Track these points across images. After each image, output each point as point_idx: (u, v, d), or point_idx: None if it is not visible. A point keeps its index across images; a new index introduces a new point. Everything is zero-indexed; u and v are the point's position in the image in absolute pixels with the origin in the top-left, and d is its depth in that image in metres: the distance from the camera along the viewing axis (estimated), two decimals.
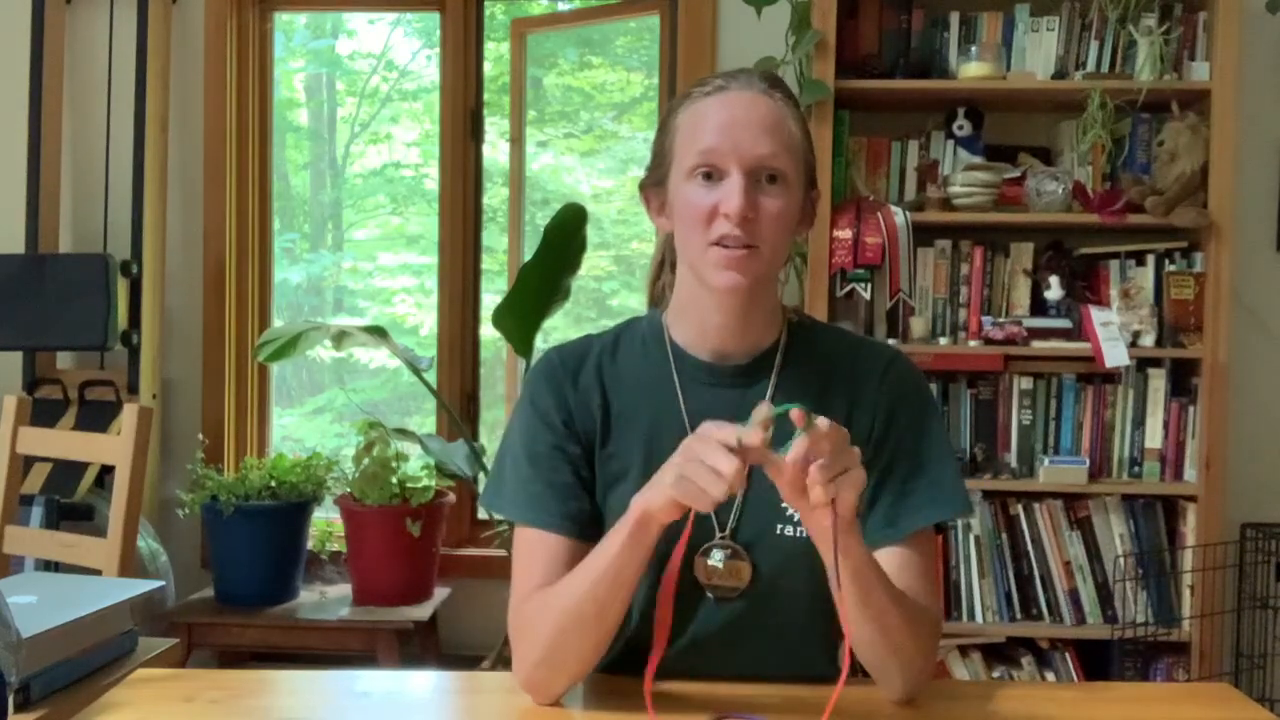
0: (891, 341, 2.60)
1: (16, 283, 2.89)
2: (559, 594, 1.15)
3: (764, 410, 1.00)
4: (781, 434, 1.00)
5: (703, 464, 0.99)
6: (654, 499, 1.06)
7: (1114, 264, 2.64)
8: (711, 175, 1.16)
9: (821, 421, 0.99)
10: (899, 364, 1.28)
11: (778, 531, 1.20)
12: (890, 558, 1.19)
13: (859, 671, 1.17)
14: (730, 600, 1.21)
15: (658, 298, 1.36)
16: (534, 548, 1.21)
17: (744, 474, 0.99)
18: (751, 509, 1.21)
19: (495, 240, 3.42)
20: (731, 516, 1.21)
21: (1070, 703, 1.17)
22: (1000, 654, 2.61)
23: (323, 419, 4.47)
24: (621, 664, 1.26)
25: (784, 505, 1.20)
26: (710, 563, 1.20)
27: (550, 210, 2.69)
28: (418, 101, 4.34)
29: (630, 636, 1.25)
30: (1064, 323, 2.60)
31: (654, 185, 1.25)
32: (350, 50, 4.53)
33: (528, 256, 2.64)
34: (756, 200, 1.15)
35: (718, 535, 1.21)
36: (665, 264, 1.35)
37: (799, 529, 1.19)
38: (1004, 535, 2.60)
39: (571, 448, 1.23)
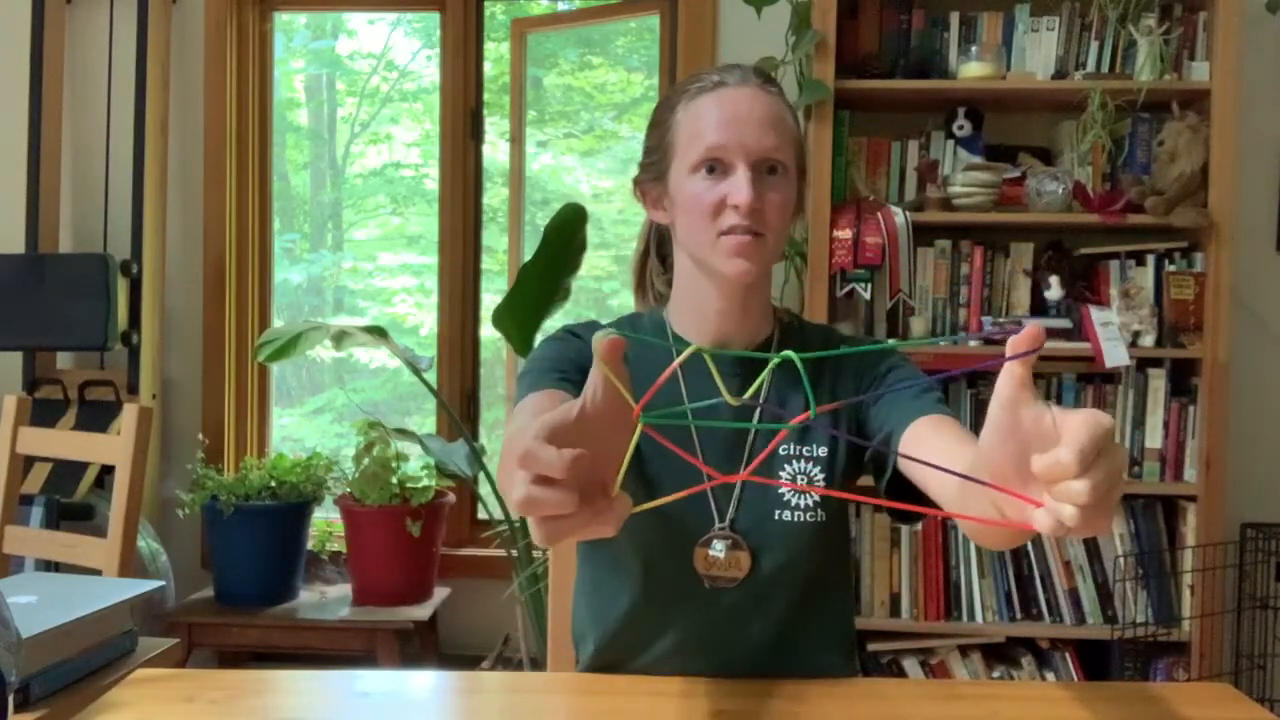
0: (891, 341, 2.60)
1: (16, 283, 2.89)
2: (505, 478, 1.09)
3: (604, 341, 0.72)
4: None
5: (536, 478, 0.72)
6: None
7: (1114, 264, 2.64)
8: (715, 169, 1.20)
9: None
10: (884, 351, 1.32)
11: (776, 517, 1.21)
12: (922, 427, 1.14)
13: (868, 670, 1.17)
14: (729, 590, 1.22)
15: (644, 286, 1.39)
16: (528, 402, 1.14)
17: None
18: (750, 497, 1.23)
19: (495, 240, 3.42)
20: (731, 506, 1.22)
21: (1070, 703, 1.17)
22: (1000, 654, 2.61)
23: (323, 419, 4.46)
24: (616, 665, 1.27)
25: (782, 491, 1.21)
26: (711, 553, 1.21)
27: (550, 210, 2.69)
28: (418, 101, 4.33)
29: (623, 633, 1.26)
30: (1064, 323, 2.60)
31: (652, 180, 1.28)
32: (350, 50, 4.53)
33: (528, 256, 2.64)
34: (762, 191, 1.18)
35: (717, 525, 1.22)
36: (650, 253, 1.38)
37: (797, 514, 1.21)
38: None
39: (578, 377, 1.21)
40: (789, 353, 0.71)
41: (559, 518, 0.71)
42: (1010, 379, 0.72)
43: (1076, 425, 0.69)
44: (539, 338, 2.70)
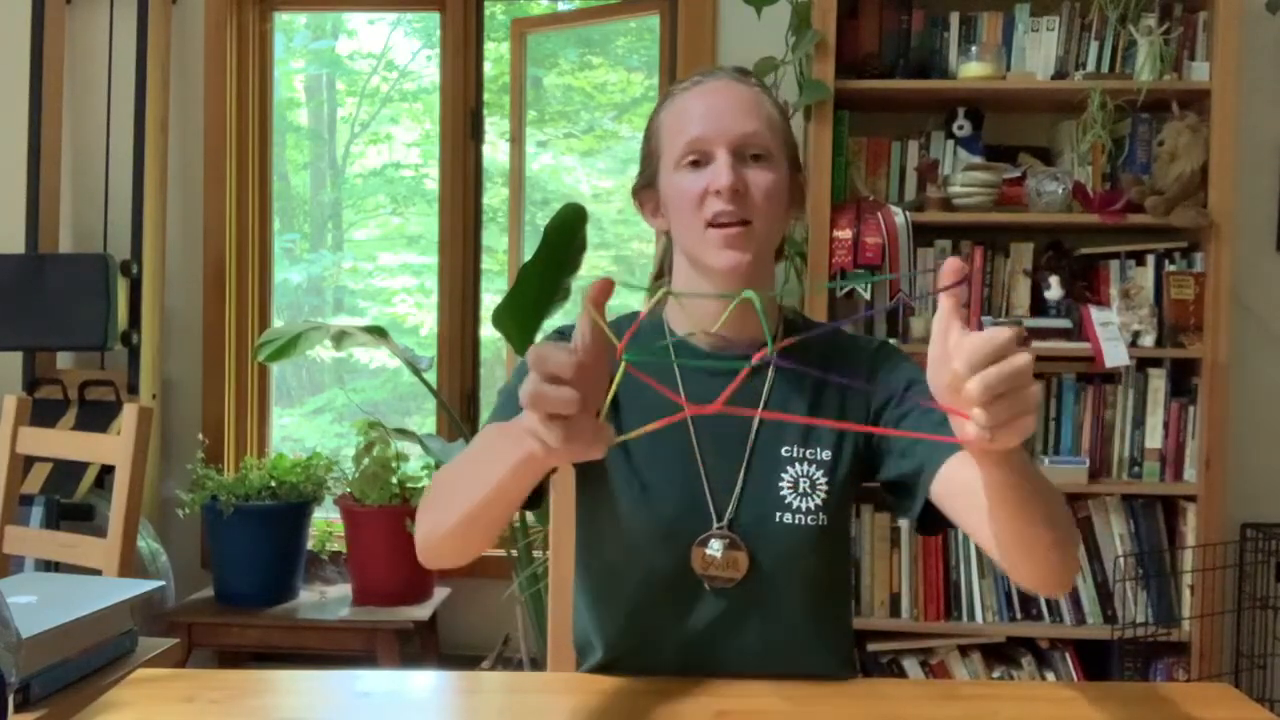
0: (891, 341, 2.59)
1: (16, 283, 2.89)
2: (446, 499, 1.20)
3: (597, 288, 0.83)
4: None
5: (542, 415, 0.83)
6: (535, 448, 0.88)
7: (1114, 264, 2.64)
8: (699, 161, 1.21)
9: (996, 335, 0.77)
10: (886, 347, 1.32)
11: (776, 519, 1.21)
12: (956, 466, 1.12)
13: (868, 671, 1.17)
14: (727, 591, 1.22)
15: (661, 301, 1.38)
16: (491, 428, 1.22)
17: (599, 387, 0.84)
18: (749, 498, 1.22)
19: (495, 240, 3.42)
20: (730, 506, 1.22)
21: (1070, 703, 1.17)
22: (1000, 654, 2.61)
23: (323, 419, 4.47)
24: (616, 665, 1.26)
25: (783, 493, 1.21)
26: (708, 553, 1.21)
27: (550, 210, 2.69)
28: (418, 101, 4.34)
29: (622, 635, 1.26)
30: (1064, 323, 2.60)
31: (645, 187, 1.29)
32: (350, 50, 4.53)
33: (528, 256, 2.64)
34: (744, 175, 1.19)
35: (715, 525, 1.22)
36: (665, 268, 1.36)
37: (798, 516, 1.20)
38: None
39: None
40: (749, 292, 0.82)
41: (564, 418, 0.81)
42: (941, 312, 0.82)
43: (973, 339, 0.76)
44: (539, 338, 2.71)
